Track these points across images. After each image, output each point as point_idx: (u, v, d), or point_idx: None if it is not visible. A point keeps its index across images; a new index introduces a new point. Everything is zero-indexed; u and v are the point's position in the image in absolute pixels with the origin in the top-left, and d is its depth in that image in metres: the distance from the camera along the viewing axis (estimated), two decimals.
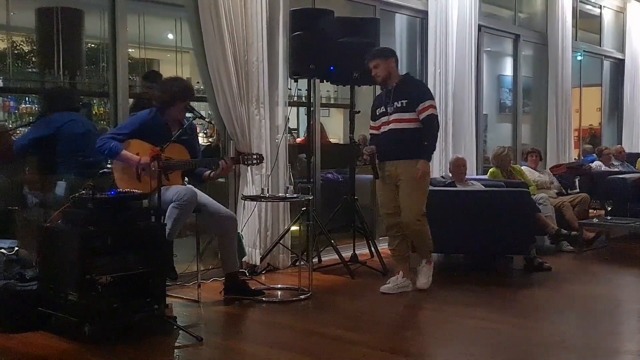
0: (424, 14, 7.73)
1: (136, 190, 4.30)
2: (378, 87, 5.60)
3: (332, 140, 8.73)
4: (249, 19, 5.58)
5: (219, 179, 5.25)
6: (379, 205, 5.30)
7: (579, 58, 10.94)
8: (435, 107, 5.10)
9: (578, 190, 8.32)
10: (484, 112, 9.09)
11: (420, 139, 5.01)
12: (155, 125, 4.62)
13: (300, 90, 6.84)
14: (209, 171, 4.78)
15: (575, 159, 10.34)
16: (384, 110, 5.10)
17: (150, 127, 4.61)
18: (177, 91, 4.65)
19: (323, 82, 6.37)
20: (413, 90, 5.09)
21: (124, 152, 4.52)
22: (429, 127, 5.03)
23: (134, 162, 4.50)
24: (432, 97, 5.18)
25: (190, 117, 4.74)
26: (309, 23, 5.69)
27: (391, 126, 5.05)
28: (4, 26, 7.57)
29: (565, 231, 6.69)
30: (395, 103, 5.03)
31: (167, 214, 4.39)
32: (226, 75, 5.40)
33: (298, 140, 8.33)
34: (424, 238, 5.15)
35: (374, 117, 5.23)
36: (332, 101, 8.15)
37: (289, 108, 6.07)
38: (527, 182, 7.22)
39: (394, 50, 5.38)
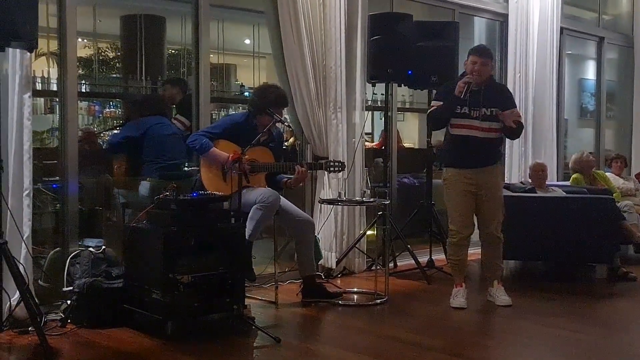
0: (504, 17, 7.60)
1: (217, 192, 4.40)
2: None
3: (407, 145, 8.70)
4: (328, 24, 5.62)
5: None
6: (453, 215, 4.91)
7: None
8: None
9: None
10: (564, 117, 8.86)
11: (500, 148, 4.98)
12: (246, 128, 4.73)
13: (376, 94, 6.84)
14: (287, 178, 4.85)
15: None
16: (466, 111, 4.78)
17: (241, 129, 4.72)
18: (273, 99, 4.74)
19: (401, 86, 6.34)
20: (503, 99, 4.89)
21: (214, 149, 4.65)
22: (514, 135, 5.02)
23: (222, 160, 4.59)
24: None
25: (280, 125, 4.82)
26: (388, 27, 5.67)
27: (478, 134, 4.78)
28: (91, 33, 7.88)
29: None
30: (484, 110, 4.77)
31: (249, 215, 4.48)
32: (304, 80, 5.46)
33: (372, 144, 8.34)
34: (501, 251, 5.00)
35: (451, 115, 4.84)
36: (407, 105, 8.13)
37: (366, 112, 6.07)
38: (611, 188, 6.99)
39: None
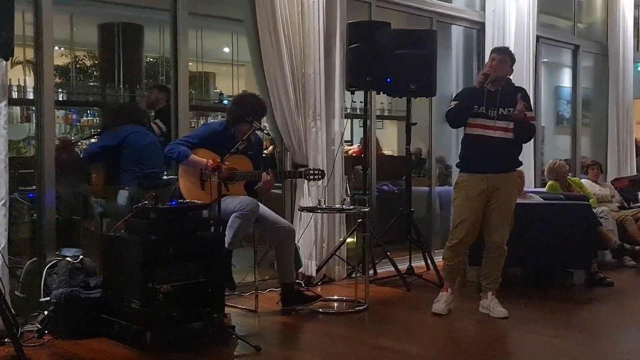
0: (481, 26, 7.69)
1: (197, 201, 4.38)
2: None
3: (386, 152, 8.73)
4: (306, 33, 5.63)
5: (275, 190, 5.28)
6: (458, 221, 4.80)
7: None
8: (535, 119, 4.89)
9: None
10: (541, 124, 8.95)
11: (518, 151, 4.88)
12: (224, 137, 4.72)
13: (355, 102, 6.87)
14: (259, 186, 4.85)
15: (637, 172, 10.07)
16: (483, 111, 4.71)
17: (220, 138, 4.72)
18: (251, 108, 4.74)
19: (379, 94, 6.37)
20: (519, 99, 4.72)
21: (193, 156, 4.63)
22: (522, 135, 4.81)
23: (202, 165, 4.58)
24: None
25: (259, 133, 4.81)
26: (366, 35, 5.69)
27: (494, 133, 4.69)
28: (68, 41, 7.83)
29: (628, 246, 6.53)
30: (501, 109, 4.69)
31: (228, 224, 4.47)
32: (283, 88, 5.46)
33: (351, 151, 8.36)
34: (503, 264, 4.89)
35: (469, 111, 4.75)
36: (386, 113, 8.17)
37: (345, 120, 6.09)
38: (586, 195, 7.07)
39: None
